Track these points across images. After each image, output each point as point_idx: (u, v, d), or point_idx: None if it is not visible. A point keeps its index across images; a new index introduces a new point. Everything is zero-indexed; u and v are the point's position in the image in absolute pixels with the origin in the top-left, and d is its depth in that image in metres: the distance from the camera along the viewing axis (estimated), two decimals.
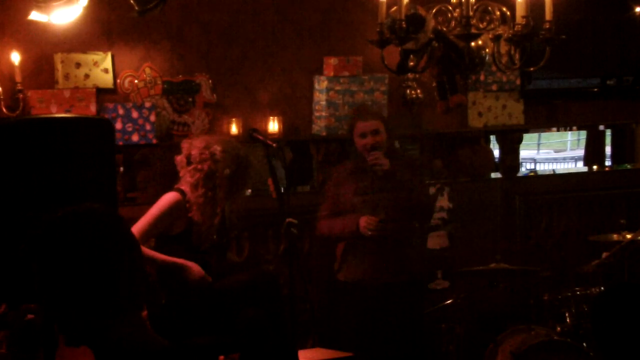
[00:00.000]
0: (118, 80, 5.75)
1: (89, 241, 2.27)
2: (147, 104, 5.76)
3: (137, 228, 4.86)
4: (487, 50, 4.35)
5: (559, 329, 5.45)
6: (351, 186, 5.46)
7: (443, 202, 6.67)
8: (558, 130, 14.18)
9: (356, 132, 5.45)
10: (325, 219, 5.51)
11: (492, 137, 7.65)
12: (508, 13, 4.27)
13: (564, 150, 19.91)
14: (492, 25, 4.26)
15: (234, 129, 5.96)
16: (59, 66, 5.55)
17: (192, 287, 4.87)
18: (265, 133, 5.87)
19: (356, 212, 5.39)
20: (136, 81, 5.80)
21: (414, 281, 5.54)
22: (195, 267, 4.88)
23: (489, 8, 4.28)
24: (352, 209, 5.42)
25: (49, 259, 2.26)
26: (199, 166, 4.99)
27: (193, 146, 5.06)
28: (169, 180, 5.33)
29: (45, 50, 5.56)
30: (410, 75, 6.20)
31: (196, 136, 5.35)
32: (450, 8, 4.27)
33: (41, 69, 5.57)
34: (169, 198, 4.98)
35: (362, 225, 5.32)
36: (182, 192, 5.01)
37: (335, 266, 5.58)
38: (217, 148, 5.02)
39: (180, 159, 5.08)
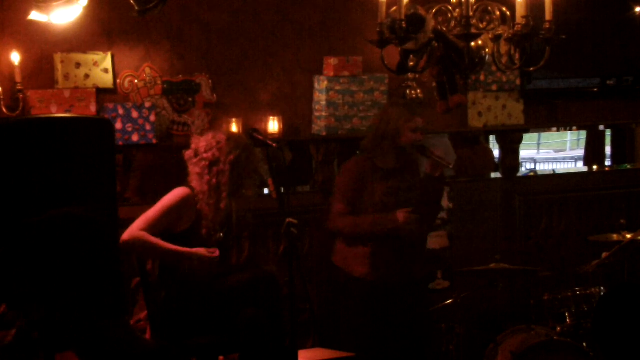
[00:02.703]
0: (118, 80, 5.75)
1: (67, 245, 2.27)
2: (147, 104, 5.76)
3: (144, 219, 4.89)
4: (487, 50, 4.35)
5: (559, 329, 5.45)
6: (380, 185, 5.44)
7: (443, 202, 6.66)
8: (558, 130, 14.20)
9: (410, 125, 5.44)
10: (347, 217, 5.46)
11: (492, 137, 7.65)
12: (508, 13, 4.27)
13: (564, 150, 19.92)
14: (492, 25, 4.26)
15: (234, 129, 5.96)
16: (59, 66, 5.55)
17: (199, 275, 4.89)
18: (265, 133, 5.88)
19: (381, 210, 5.40)
20: (136, 81, 5.80)
21: (423, 281, 5.60)
22: (201, 251, 4.90)
23: (489, 8, 4.27)
24: (377, 208, 5.41)
25: (28, 262, 2.27)
26: (205, 155, 5.08)
27: (201, 139, 5.15)
28: (169, 180, 5.34)
29: (45, 50, 5.56)
30: (410, 75, 6.20)
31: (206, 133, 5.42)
32: (450, 8, 4.27)
33: (41, 69, 5.57)
34: (178, 192, 5.04)
35: (402, 221, 5.36)
36: (191, 187, 5.05)
37: (355, 268, 5.54)
38: (222, 137, 5.13)
39: (188, 153, 5.15)
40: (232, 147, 5.10)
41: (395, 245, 5.45)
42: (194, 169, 5.10)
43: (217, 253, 4.93)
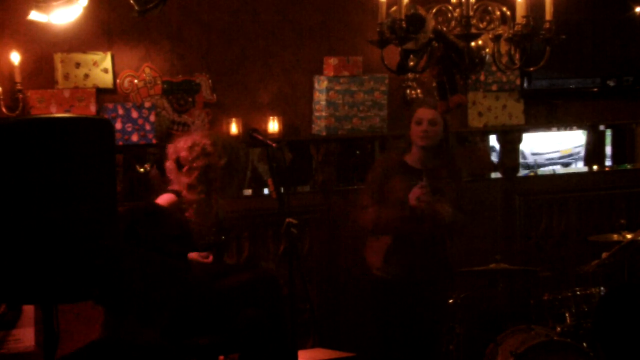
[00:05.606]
0: (118, 80, 5.76)
1: (70, 245, 2.28)
2: (147, 104, 5.76)
3: None
4: (487, 50, 4.35)
5: (559, 329, 5.45)
6: (402, 182, 5.42)
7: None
8: (558, 130, 14.15)
9: (414, 118, 5.44)
10: (369, 210, 5.42)
11: (492, 137, 7.64)
12: (508, 13, 4.27)
13: None
14: (492, 25, 4.26)
15: (234, 129, 5.96)
16: (59, 66, 5.55)
17: (193, 277, 4.88)
18: (265, 133, 5.88)
19: (398, 206, 5.39)
20: (136, 81, 5.80)
21: (445, 279, 5.60)
22: (193, 256, 4.89)
23: (489, 8, 4.27)
24: (399, 204, 5.40)
25: (30, 263, 2.28)
26: (194, 164, 5.00)
27: (179, 148, 5.05)
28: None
29: (45, 50, 5.56)
30: (410, 75, 6.20)
31: (177, 138, 5.31)
32: (450, 8, 4.26)
33: (41, 69, 5.57)
34: (165, 199, 4.99)
35: (412, 197, 5.31)
36: (176, 193, 5.01)
37: (372, 261, 5.53)
38: (206, 142, 5.03)
39: (169, 164, 5.07)
40: (220, 152, 5.03)
41: (415, 242, 5.43)
42: (180, 179, 5.02)
43: (210, 258, 4.91)
